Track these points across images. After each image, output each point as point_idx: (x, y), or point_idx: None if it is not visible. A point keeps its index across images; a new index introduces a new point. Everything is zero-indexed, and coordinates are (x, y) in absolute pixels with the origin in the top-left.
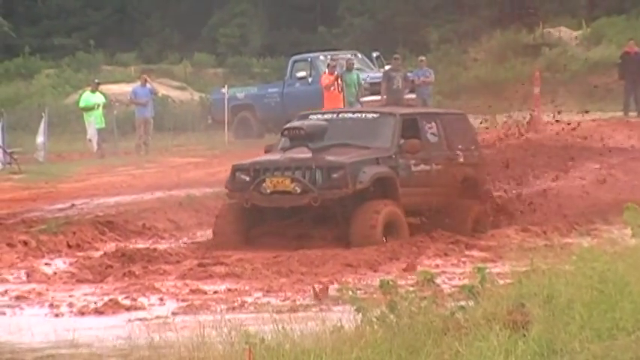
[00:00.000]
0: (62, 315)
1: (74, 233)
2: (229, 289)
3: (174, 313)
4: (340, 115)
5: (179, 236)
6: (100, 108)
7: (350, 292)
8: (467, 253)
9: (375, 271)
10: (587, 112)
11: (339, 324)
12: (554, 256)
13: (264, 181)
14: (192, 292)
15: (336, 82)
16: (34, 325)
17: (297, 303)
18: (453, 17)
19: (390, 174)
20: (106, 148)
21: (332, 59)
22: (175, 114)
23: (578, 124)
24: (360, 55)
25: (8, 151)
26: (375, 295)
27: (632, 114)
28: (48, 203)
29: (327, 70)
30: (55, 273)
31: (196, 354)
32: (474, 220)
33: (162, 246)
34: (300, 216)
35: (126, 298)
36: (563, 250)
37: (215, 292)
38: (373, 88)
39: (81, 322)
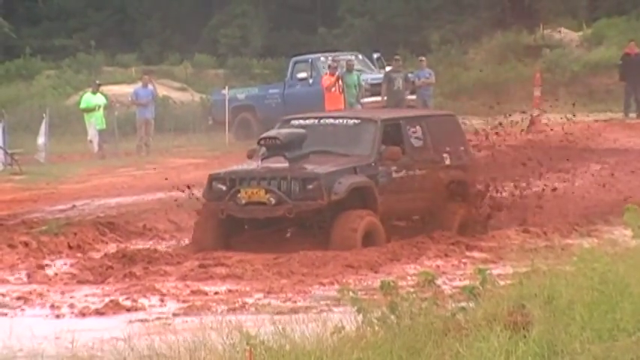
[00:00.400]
0: (63, 316)
1: (75, 234)
2: (230, 290)
3: (174, 314)
4: (322, 121)
5: (180, 237)
6: (101, 109)
7: (351, 293)
8: (467, 254)
9: (376, 272)
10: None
11: (339, 325)
12: (555, 257)
13: (239, 191)
14: (193, 293)
15: (336, 83)
16: (34, 326)
17: (298, 304)
18: (453, 18)
19: (367, 183)
20: (107, 149)
21: (333, 60)
22: (176, 115)
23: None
24: (360, 56)
25: (9, 152)
26: (375, 296)
27: (632, 115)
28: (49, 204)
29: (327, 71)
30: (56, 274)
31: (197, 355)
32: (460, 223)
33: (163, 247)
34: (277, 225)
35: (127, 299)
36: (563, 251)
37: (216, 293)
38: (374, 89)
39: (82, 323)
